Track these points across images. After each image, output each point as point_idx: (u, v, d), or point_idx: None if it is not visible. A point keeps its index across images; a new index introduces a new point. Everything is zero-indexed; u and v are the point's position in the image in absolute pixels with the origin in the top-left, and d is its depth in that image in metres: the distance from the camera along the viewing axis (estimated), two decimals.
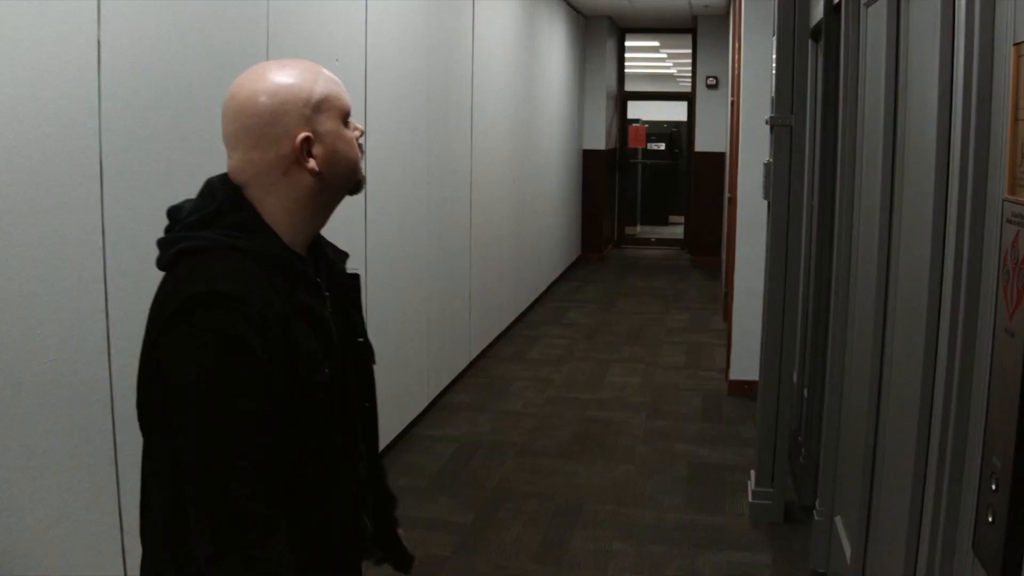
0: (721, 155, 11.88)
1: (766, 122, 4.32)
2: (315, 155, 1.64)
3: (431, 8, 5.73)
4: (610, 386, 6.76)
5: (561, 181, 10.98)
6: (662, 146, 16.22)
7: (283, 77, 1.64)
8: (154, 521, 1.68)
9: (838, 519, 3.59)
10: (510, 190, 8.25)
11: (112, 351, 2.78)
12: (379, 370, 1.82)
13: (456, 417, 5.97)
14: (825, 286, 4.18)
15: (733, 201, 8.46)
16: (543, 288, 10.01)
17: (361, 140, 1.74)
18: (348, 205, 4.47)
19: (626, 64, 14.27)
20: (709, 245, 12.41)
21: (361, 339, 1.88)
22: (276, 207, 1.65)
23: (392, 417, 5.28)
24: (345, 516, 1.78)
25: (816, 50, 4.53)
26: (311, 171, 1.63)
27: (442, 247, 6.16)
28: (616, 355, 7.66)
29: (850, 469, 3.34)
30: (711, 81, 12.17)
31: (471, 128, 6.77)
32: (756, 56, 6.11)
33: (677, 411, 6.18)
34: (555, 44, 10.20)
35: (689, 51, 13.47)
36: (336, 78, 1.72)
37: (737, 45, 7.11)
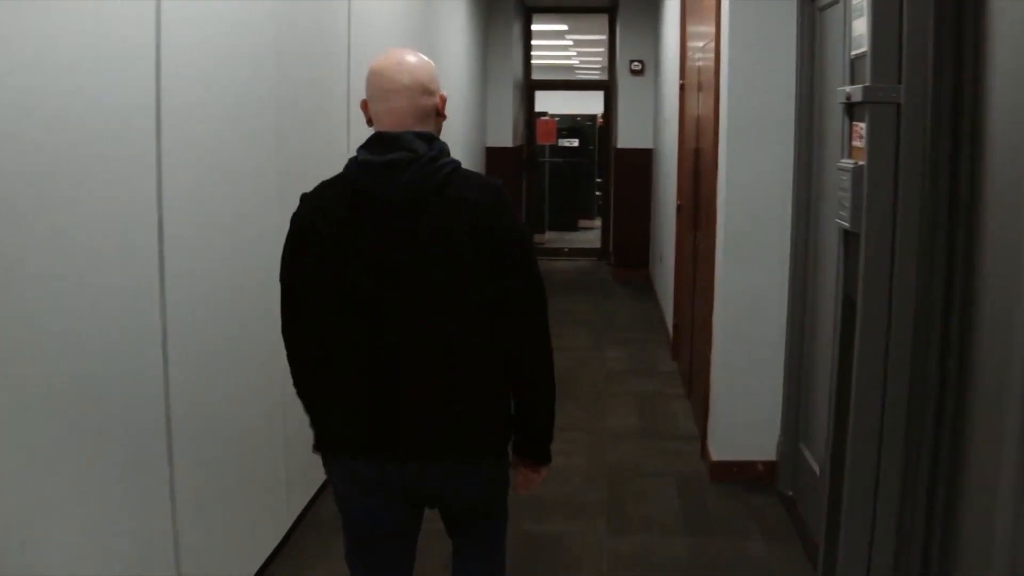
0: (648, 151, 10.34)
1: (845, 101, 2.59)
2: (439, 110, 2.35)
3: (281, 8, 3.82)
4: (550, 474, 4.93)
5: None
6: (575, 142, 14.44)
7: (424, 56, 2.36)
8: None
9: None
10: None
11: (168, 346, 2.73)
12: None
13: None
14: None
15: (683, 209, 6.81)
16: None
17: None
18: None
19: (532, 51, 12.53)
20: (634, 256, 10.77)
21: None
22: None
23: None
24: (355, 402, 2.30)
25: None
26: (444, 117, 2.35)
27: None
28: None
29: None
30: (636, 66, 10.48)
31: (347, 133, 4.85)
32: (746, 19, 4.44)
33: (647, 515, 4.37)
34: (455, 30, 8.37)
35: (604, 36, 11.85)
36: None
37: (716, 8, 5.44)
